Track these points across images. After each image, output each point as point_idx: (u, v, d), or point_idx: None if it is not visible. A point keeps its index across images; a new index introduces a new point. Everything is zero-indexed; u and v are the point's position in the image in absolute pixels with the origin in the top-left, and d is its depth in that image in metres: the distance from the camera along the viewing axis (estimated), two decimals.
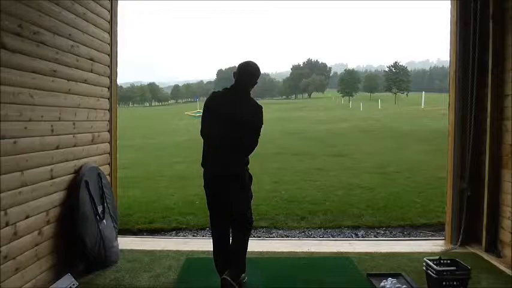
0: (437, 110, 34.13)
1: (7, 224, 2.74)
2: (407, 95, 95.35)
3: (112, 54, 4.41)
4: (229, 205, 3.26)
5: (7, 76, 2.70)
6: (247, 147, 3.23)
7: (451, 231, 4.53)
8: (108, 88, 4.38)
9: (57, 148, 3.36)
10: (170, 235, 5.40)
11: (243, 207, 3.30)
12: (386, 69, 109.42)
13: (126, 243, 4.44)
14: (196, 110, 50.56)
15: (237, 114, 3.14)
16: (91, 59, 3.93)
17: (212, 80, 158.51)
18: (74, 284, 3.35)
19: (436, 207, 6.28)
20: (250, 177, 3.31)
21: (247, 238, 3.36)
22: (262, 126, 3.27)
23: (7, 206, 2.73)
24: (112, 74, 4.43)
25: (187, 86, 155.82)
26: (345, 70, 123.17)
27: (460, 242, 4.42)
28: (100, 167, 4.07)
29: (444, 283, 3.13)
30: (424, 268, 3.30)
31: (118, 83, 4.84)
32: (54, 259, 3.36)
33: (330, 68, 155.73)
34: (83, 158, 3.81)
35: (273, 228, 5.62)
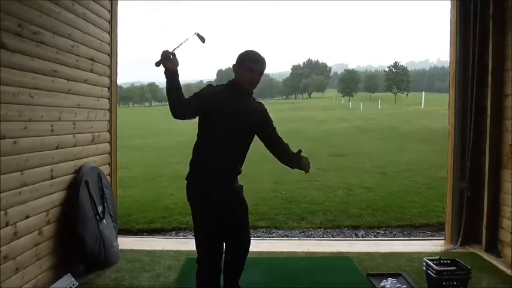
0: (437, 110, 34.12)
1: (7, 224, 2.74)
2: (407, 95, 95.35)
3: (112, 54, 4.41)
4: (237, 218, 2.82)
5: (7, 76, 2.70)
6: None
7: (451, 231, 4.52)
8: (108, 88, 4.38)
9: (57, 148, 3.36)
10: (170, 235, 5.39)
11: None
12: (387, 69, 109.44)
13: (126, 243, 4.44)
14: None
15: (249, 114, 2.71)
16: (91, 59, 3.93)
17: (212, 80, 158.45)
18: (74, 284, 3.35)
19: (436, 207, 6.28)
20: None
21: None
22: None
23: (7, 206, 2.73)
24: (112, 74, 4.42)
25: (187, 86, 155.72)
26: (345, 70, 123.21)
27: (460, 242, 4.42)
28: (100, 167, 4.07)
29: (444, 283, 3.13)
30: (424, 268, 3.29)
31: (118, 83, 4.84)
32: (54, 259, 3.36)
33: (330, 68, 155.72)
34: (83, 158, 3.81)
35: (273, 228, 5.61)
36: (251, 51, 2.75)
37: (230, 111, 2.61)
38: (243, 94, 2.73)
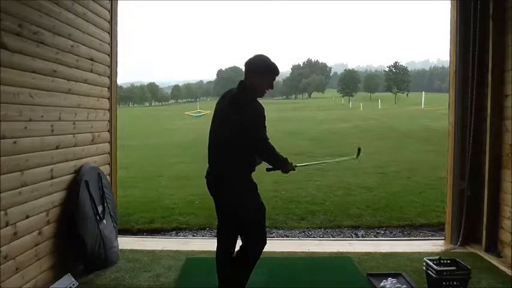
0: (437, 110, 34.13)
1: (7, 224, 2.74)
2: (407, 95, 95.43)
3: (112, 54, 4.41)
4: None
5: (7, 76, 2.70)
6: None
7: (451, 231, 4.53)
8: (108, 88, 4.38)
9: (57, 148, 3.36)
10: (170, 235, 5.40)
11: None
12: (387, 69, 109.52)
13: (126, 243, 4.44)
14: (197, 109, 50.59)
15: None
16: (91, 59, 3.93)
17: (212, 80, 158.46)
18: (74, 284, 3.35)
19: (436, 207, 6.28)
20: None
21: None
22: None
23: (7, 206, 2.73)
24: (112, 74, 4.43)
25: (187, 86, 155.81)
26: (345, 70, 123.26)
27: (460, 242, 4.42)
28: (100, 167, 4.07)
29: (444, 283, 3.13)
30: (424, 268, 3.30)
31: (118, 83, 4.84)
32: (54, 259, 3.36)
33: (330, 68, 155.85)
34: (83, 158, 3.81)
35: (273, 228, 5.61)
36: (271, 62, 3.00)
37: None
38: None
